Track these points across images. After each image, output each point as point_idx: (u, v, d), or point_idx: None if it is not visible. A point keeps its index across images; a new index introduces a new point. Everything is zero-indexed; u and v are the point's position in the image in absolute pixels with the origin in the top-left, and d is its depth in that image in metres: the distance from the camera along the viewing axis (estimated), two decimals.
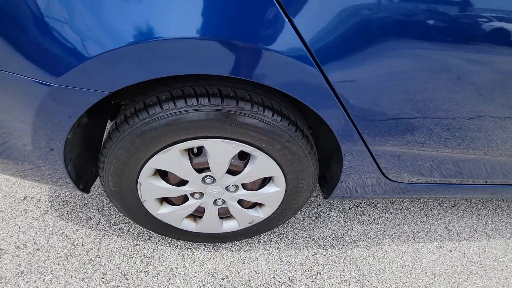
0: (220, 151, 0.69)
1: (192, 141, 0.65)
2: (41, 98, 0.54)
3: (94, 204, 1.10)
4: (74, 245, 0.96)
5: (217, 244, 1.01)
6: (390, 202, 1.25)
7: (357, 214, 1.17)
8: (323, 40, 0.51)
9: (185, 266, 0.94)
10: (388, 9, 0.50)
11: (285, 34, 0.50)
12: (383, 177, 0.83)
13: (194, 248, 0.99)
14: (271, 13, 0.48)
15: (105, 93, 0.54)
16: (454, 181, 0.89)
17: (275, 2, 0.48)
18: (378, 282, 0.96)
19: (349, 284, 0.94)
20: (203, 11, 0.48)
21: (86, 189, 0.81)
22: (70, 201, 1.09)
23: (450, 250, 1.09)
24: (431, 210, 1.23)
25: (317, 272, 0.96)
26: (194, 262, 0.95)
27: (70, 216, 1.05)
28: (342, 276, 0.96)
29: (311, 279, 0.94)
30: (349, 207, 1.20)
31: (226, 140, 0.66)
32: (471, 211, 1.25)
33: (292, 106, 0.72)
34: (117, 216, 1.07)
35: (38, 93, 0.54)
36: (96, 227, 1.02)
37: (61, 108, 0.56)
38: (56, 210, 1.06)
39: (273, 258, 0.99)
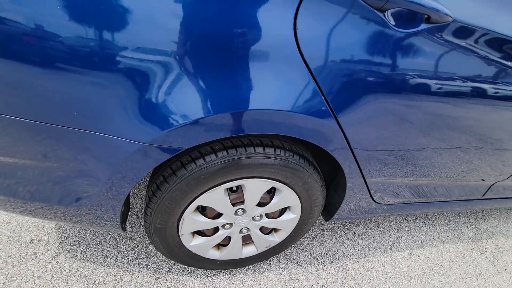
0: (256, 188, 0.84)
1: (237, 181, 0.80)
2: (126, 154, 0.64)
3: (107, 241, 1.12)
4: (96, 285, 0.98)
5: (234, 269, 1.11)
6: (369, 219, 1.49)
7: (345, 232, 1.38)
8: (343, 105, 0.72)
9: None
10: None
11: (320, 104, 0.69)
12: (372, 201, 1.06)
13: (213, 275, 1.08)
14: (314, 92, 0.68)
15: (182, 148, 0.66)
16: (423, 200, 1.17)
17: (316, 87, 0.67)
18: None
19: None
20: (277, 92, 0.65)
21: (124, 228, 0.87)
22: (81, 241, 1.10)
23: (418, 256, 1.35)
24: (400, 224, 1.50)
25: (322, 286, 1.13)
26: None
27: (85, 255, 1.05)
28: (342, 287, 1.14)
29: None
30: (338, 226, 1.40)
31: (263, 179, 0.82)
32: (428, 222, 1.56)
33: (308, 149, 0.92)
34: (133, 251, 1.10)
35: (125, 150, 0.64)
36: (114, 264, 1.05)
37: (141, 161, 0.66)
38: (68, 251, 1.06)
39: (284, 277, 1.13)
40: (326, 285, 1.13)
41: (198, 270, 1.09)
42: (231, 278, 1.09)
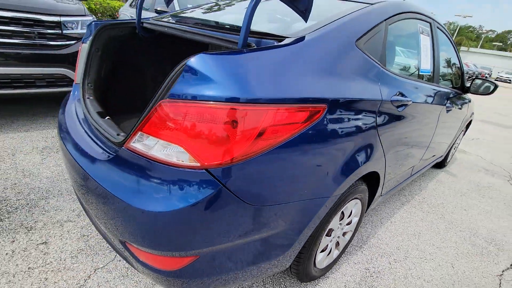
0: (351, 205, 1.37)
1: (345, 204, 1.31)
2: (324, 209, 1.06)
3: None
4: None
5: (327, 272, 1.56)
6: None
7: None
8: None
9: None
10: None
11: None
12: (380, 195, 1.77)
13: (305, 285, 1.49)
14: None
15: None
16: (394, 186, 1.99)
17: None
18: None
19: None
20: None
21: None
22: None
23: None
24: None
25: None
26: None
27: None
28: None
29: None
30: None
31: (355, 199, 1.37)
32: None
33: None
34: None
35: (321, 205, 1.06)
36: None
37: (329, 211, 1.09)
38: None
39: (359, 267, 1.66)
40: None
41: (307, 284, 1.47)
42: (320, 281, 1.53)
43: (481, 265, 1.83)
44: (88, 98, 1.43)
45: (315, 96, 0.91)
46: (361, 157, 1.17)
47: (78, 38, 2.74)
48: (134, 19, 1.69)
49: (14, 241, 1.44)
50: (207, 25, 1.33)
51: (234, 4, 1.87)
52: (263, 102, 0.78)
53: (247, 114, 0.77)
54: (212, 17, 1.72)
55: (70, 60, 2.67)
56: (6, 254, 1.37)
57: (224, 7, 1.86)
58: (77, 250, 1.45)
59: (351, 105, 1.05)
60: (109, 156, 0.97)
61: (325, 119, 0.95)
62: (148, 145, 0.85)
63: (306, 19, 0.99)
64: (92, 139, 1.13)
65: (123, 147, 0.91)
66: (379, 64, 1.23)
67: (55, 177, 1.99)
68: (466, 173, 3.34)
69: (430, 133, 1.99)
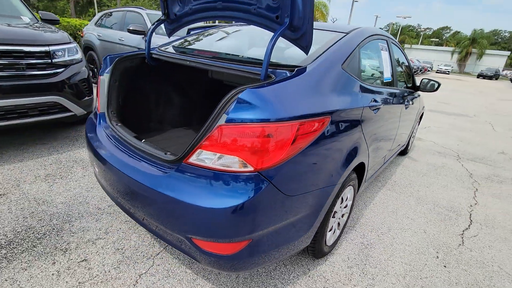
0: (349, 190, 1.72)
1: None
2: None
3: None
4: None
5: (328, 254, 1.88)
6: None
7: None
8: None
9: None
10: None
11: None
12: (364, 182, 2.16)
13: (309, 263, 1.80)
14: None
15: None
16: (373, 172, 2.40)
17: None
18: None
19: None
20: None
21: None
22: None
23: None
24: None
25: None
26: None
27: None
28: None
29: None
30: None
31: (350, 186, 1.72)
32: None
33: None
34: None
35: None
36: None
37: None
38: None
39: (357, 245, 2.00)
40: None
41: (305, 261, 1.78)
42: (325, 260, 1.85)
43: (446, 228, 2.30)
44: (117, 125, 1.61)
45: (322, 111, 1.23)
46: (354, 151, 1.52)
47: (66, 65, 2.82)
48: (143, 51, 1.90)
49: (55, 263, 1.56)
50: (221, 58, 1.59)
51: (230, 33, 2.16)
52: (290, 120, 1.08)
53: (280, 129, 1.06)
54: (220, 48, 1.98)
55: (60, 88, 2.73)
56: (53, 274, 1.49)
57: (222, 35, 2.14)
58: (117, 261, 1.61)
59: (345, 113, 1.40)
60: (166, 171, 1.20)
61: (329, 126, 1.28)
62: (206, 159, 1.10)
63: (307, 53, 1.32)
64: (138, 159, 1.34)
65: (182, 163, 1.15)
66: (358, 80, 1.60)
67: (69, 201, 2.08)
68: (424, 157, 3.94)
69: (396, 127, 2.44)
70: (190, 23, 1.84)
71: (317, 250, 1.62)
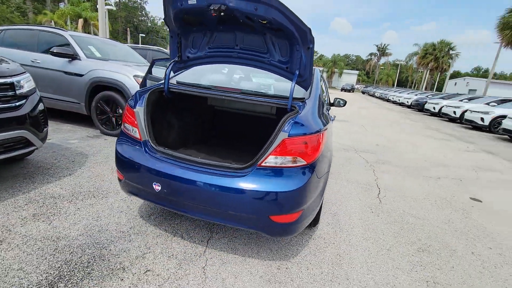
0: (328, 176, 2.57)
1: None
2: None
3: None
4: None
5: None
6: None
7: None
8: None
9: None
10: None
11: None
12: None
13: None
14: None
15: None
16: None
17: None
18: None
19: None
20: None
21: None
22: None
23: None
24: None
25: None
26: None
27: None
28: None
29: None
30: None
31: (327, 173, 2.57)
32: None
33: None
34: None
35: None
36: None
37: None
38: None
39: None
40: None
41: None
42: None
43: (369, 195, 3.49)
44: (165, 148, 1.93)
45: (321, 127, 2.02)
46: (331, 150, 2.38)
47: (27, 96, 2.63)
48: (161, 85, 2.25)
49: (123, 279, 1.72)
50: (247, 93, 2.14)
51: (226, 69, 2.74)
52: (316, 132, 1.82)
53: (313, 139, 1.78)
54: (235, 83, 2.53)
55: (25, 120, 2.55)
56: (129, 287, 1.67)
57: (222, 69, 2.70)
58: (177, 264, 1.90)
59: (328, 125, 2.24)
60: (242, 174, 1.70)
61: (324, 136, 2.08)
62: (274, 161, 1.69)
63: (307, 90, 2.10)
64: (208, 171, 1.76)
65: (256, 167, 1.69)
66: (325, 103, 2.50)
67: (87, 232, 2.11)
68: (336, 153, 5.38)
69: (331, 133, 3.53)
70: (200, 64, 2.32)
71: (316, 218, 2.38)
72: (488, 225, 3.03)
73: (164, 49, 7.92)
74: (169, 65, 2.23)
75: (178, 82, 2.33)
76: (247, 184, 1.68)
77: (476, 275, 2.15)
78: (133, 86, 4.34)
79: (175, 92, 2.26)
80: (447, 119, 15.34)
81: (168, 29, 2.19)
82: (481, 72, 73.10)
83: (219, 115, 3.13)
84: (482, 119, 12.03)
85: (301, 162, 1.71)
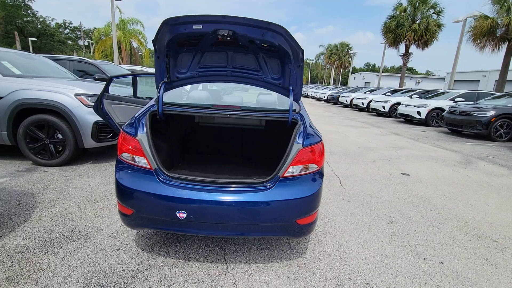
0: None
1: None
2: None
3: None
4: None
5: None
6: None
7: None
8: None
9: None
10: None
11: None
12: None
13: None
14: None
15: None
16: None
17: None
18: None
19: None
20: None
21: None
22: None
23: None
24: None
25: None
26: None
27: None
28: None
29: None
30: None
31: None
32: None
33: None
34: None
35: None
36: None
37: None
38: None
39: None
40: None
41: None
42: None
43: (332, 185, 4.00)
44: (179, 173, 1.89)
45: (321, 134, 2.30)
46: None
47: None
48: (154, 107, 2.15)
49: None
50: (246, 109, 2.23)
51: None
52: (319, 142, 2.07)
53: (320, 147, 2.03)
54: (233, 100, 2.58)
55: None
56: None
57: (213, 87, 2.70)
58: (208, 285, 1.89)
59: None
60: (267, 187, 1.83)
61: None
62: (294, 170, 1.88)
63: (297, 102, 2.34)
64: (233, 189, 1.83)
65: (280, 177, 1.85)
66: None
67: (91, 281, 1.88)
68: None
69: None
70: (191, 83, 2.31)
71: None
72: (421, 193, 3.90)
73: (88, 59, 7.01)
74: (160, 86, 2.15)
75: (164, 103, 2.26)
76: (274, 195, 1.81)
77: (431, 233, 2.80)
78: (76, 107, 3.82)
79: (168, 114, 2.19)
80: (357, 109, 18.14)
81: (154, 50, 2.11)
82: (370, 67, 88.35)
83: (203, 131, 3.10)
84: (383, 107, 14.72)
85: (314, 167, 1.95)
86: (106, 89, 3.17)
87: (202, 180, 1.84)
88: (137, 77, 3.49)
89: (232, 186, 1.85)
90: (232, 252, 2.28)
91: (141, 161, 1.87)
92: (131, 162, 1.89)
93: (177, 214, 1.77)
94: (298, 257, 2.28)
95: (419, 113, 11.62)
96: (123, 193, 1.86)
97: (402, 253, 2.41)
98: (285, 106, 2.57)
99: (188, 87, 3.32)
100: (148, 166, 1.87)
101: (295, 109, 2.31)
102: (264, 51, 2.14)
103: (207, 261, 2.14)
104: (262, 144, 3.09)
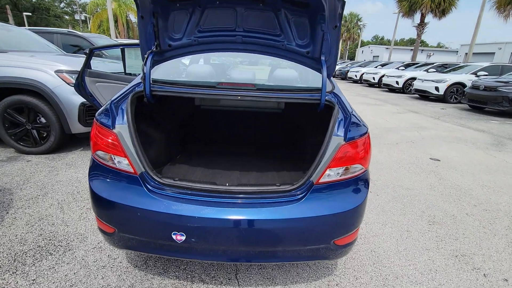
0: None
1: None
2: None
3: None
4: None
5: None
6: None
7: None
8: None
9: None
10: None
11: None
12: None
13: None
14: None
15: None
16: None
17: None
18: None
19: None
20: None
21: None
22: None
23: None
24: None
25: None
26: None
27: None
28: None
29: None
30: None
31: None
32: None
33: None
34: None
35: None
36: None
37: None
38: None
39: None
40: None
41: None
42: None
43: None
44: (175, 180, 1.38)
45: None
46: None
47: None
48: (139, 87, 1.60)
49: None
50: (263, 88, 1.63)
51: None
52: (365, 133, 1.51)
53: (367, 139, 1.48)
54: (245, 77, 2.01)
55: None
56: None
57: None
58: None
59: None
60: (296, 198, 1.32)
61: None
62: (333, 174, 1.36)
63: (330, 79, 1.76)
64: (246, 201, 1.33)
65: (314, 185, 1.33)
66: None
67: None
68: None
69: None
70: (189, 54, 1.74)
71: None
72: (458, 183, 3.38)
73: (77, 32, 6.32)
74: (146, 58, 1.58)
75: (154, 81, 1.69)
76: (307, 210, 1.31)
77: (483, 237, 2.32)
78: (57, 86, 3.26)
79: (160, 95, 1.65)
80: (367, 84, 17.19)
81: (136, 7, 1.51)
82: (378, 40, 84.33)
83: (205, 116, 2.54)
84: (397, 82, 13.82)
85: (358, 169, 1.42)
86: (87, 64, 2.60)
87: (207, 189, 1.34)
88: (125, 49, 2.91)
89: (249, 196, 1.34)
90: (246, 269, 1.83)
91: (122, 163, 1.36)
92: (109, 164, 1.38)
93: (173, 236, 1.29)
94: (328, 274, 1.83)
95: (437, 88, 10.79)
96: (99, 206, 1.37)
97: (455, 267, 1.95)
98: (309, 84, 1.99)
99: (186, 60, 2.72)
100: (131, 170, 1.35)
101: (330, 89, 1.74)
102: (288, 6, 1.54)
103: (215, 282, 1.70)
104: (279, 132, 2.54)
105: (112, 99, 1.50)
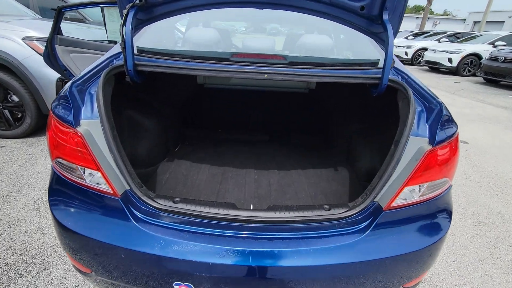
0: None
1: None
2: None
3: None
4: None
5: None
6: None
7: None
8: None
9: None
10: None
11: None
12: None
13: None
14: None
15: None
16: None
17: None
18: None
19: None
20: None
21: None
22: None
23: None
24: None
25: None
26: None
27: None
28: None
29: None
30: None
31: None
32: None
33: None
34: None
35: None
36: None
37: None
38: None
39: None
40: None
41: None
42: None
43: None
44: (174, 201, 0.94)
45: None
46: None
47: None
48: (116, 64, 1.10)
49: None
50: (297, 63, 1.15)
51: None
52: (456, 133, 1.06)
53: (457, 141, 1.01)
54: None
55: None
56: None
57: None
58: None
59: None
60: (361, 227, 0.90)
61: None
62: (410, 194, 0.92)
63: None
64: (284, 239, 0.90)
65: (384, 211, 0.90)
66: None
67: None
68: None
69: None
70: (186, 11, 1.20)
71: None
72: (495, 170, 2.99)
73: None
74: (126, 16, 1.05)
75: (140, 50, 1.17)
76: (374, 248, 0.89)
77: None
78: (27, 57, 2.69)
79: (147, 72, 1.15)
80: None
81: None
82: None
83: (210, 96, 2.02)
84: (406, 53, 13.00)
85: (445, 184, 0.98)
86: (56, 29, 2.03)
87: (223, 218, 0.90)
88: (105, 8, 2.30)
89: (285, 227, 0.91)
90: None
91: (94, 177, 0.90)
92: (75, 180, 0.93)
93: None
94: None
95: (450, 60, 10.09)
96: (66, 238, 0.94)
97: None
98: (346, 56, 1.48)
99: (182, 27, 2.15)
100: (109, 190, 0.90)
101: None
102: None
103: None
104: (304, 118, 2.06)
105: (75, 78, 1.01)
